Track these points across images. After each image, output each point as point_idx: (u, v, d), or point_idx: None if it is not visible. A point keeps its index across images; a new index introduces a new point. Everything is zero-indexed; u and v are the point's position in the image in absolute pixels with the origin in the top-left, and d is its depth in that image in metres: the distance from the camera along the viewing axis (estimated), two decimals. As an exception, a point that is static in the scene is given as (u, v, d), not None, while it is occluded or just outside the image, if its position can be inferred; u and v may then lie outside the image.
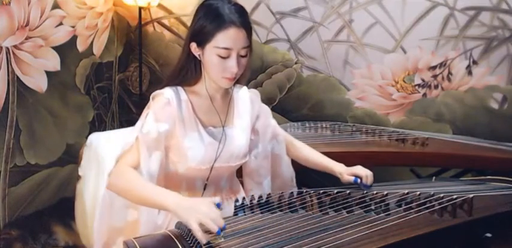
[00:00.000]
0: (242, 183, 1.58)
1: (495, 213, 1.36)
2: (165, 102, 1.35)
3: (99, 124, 2.74)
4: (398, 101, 2.53)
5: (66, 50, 2.37)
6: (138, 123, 1.36)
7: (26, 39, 2.11)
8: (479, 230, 1.38)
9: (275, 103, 2.70)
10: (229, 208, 1.35)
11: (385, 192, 1.36)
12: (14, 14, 2.02)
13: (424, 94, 2.49)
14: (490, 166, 2.02)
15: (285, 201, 1.32)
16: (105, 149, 1.64)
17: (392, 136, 2.13)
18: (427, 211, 1.29)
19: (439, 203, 1.30)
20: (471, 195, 1.32)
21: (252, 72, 2.31)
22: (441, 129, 2.46)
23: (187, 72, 1.39)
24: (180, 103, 1.37)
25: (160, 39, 2.89)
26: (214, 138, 1.40)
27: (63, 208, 2.33)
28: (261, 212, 1.27)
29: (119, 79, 2.92)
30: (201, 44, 1.32)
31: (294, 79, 2.68)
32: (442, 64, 2.44)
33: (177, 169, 1.41)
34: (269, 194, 1.36)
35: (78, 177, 1.71)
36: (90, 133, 1.76)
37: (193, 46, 1.35)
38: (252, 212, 1.27)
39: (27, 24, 2.10)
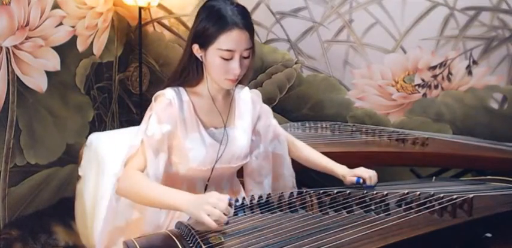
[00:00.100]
0: (243, 183, 1.58)
1: (495, 213, 1.36)
2: (166, 103, 1.35)
3: (99, 124, 2.74)
4: (398, 101, 2.53)
5: (66, 50, 2.37)
6: (142, 126, 1.36)
7: (26, 39, 2.11)
8: (479, 230, 1.38)
9: (275, 103, 2.70)
10: (229, 208, 1.35)
11: (385, 192, 1.36)
12: (14, 14, 2.02)
13: (424, 94, 2.49)
14: (490, 166, 2.02)
15: (285, 201, 1.32)
16: (105, 149, 1.64)
17: (392, 136, 2.13)
18: (427, 211, 1.29)
19: (439, 203, 1.30)
20: (471, 195, 1.32)
21: (252, 72, 2.30)
22: (441, 129, 2.45)
23: (189, 73, 1.38)
24: (182, 104, 1.37)
25: (160, 39, 2.89)
26: (216, 139, 1.40)
27: (63, 208, 2.33)
28: (261, 212, 1.26)
29: (119, 79, 2.92)
30: (204, 46, 1.32)
31: (294, 79, 2.67)
32: (442, 65, 2.44)
33: (178, 170, 1.41)
34: (269, 194, 1.36)
35: (78, 177, 1.71)
36: (90, 133, 1.76)
37: (196, 47, 1.34)
38: (252, 212, 1.27)
39: (27, 24, 2.10)
